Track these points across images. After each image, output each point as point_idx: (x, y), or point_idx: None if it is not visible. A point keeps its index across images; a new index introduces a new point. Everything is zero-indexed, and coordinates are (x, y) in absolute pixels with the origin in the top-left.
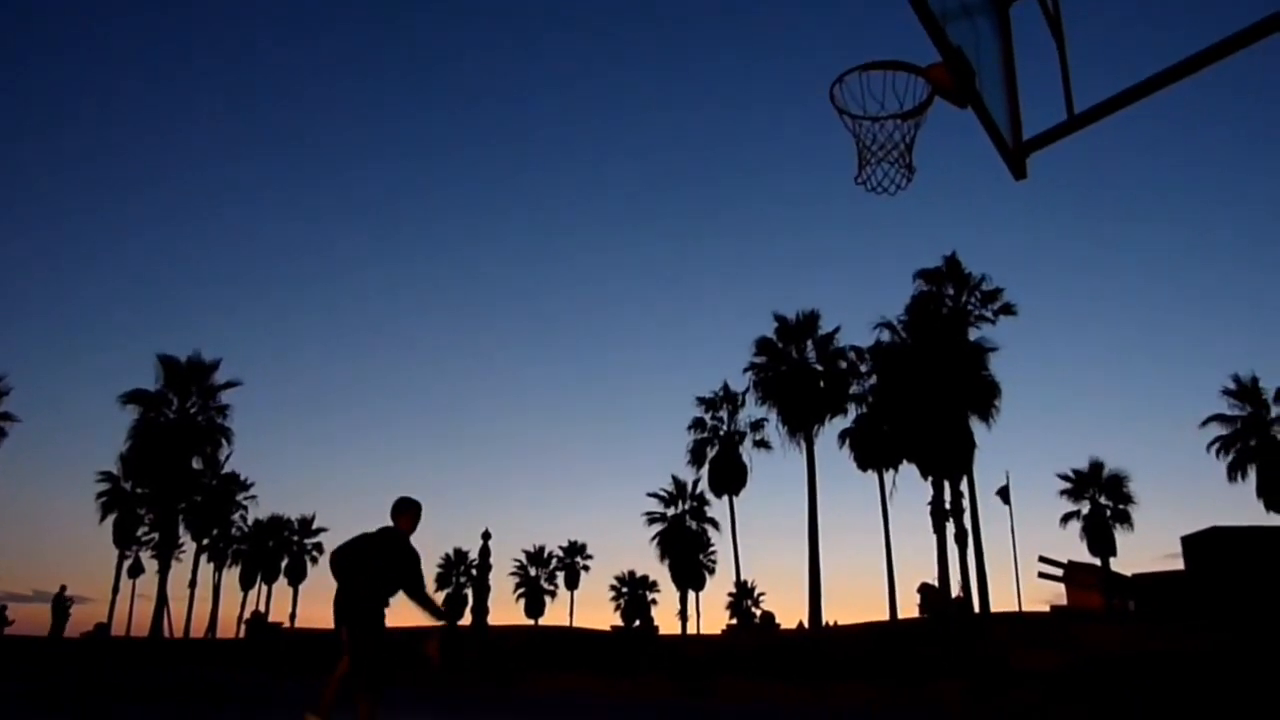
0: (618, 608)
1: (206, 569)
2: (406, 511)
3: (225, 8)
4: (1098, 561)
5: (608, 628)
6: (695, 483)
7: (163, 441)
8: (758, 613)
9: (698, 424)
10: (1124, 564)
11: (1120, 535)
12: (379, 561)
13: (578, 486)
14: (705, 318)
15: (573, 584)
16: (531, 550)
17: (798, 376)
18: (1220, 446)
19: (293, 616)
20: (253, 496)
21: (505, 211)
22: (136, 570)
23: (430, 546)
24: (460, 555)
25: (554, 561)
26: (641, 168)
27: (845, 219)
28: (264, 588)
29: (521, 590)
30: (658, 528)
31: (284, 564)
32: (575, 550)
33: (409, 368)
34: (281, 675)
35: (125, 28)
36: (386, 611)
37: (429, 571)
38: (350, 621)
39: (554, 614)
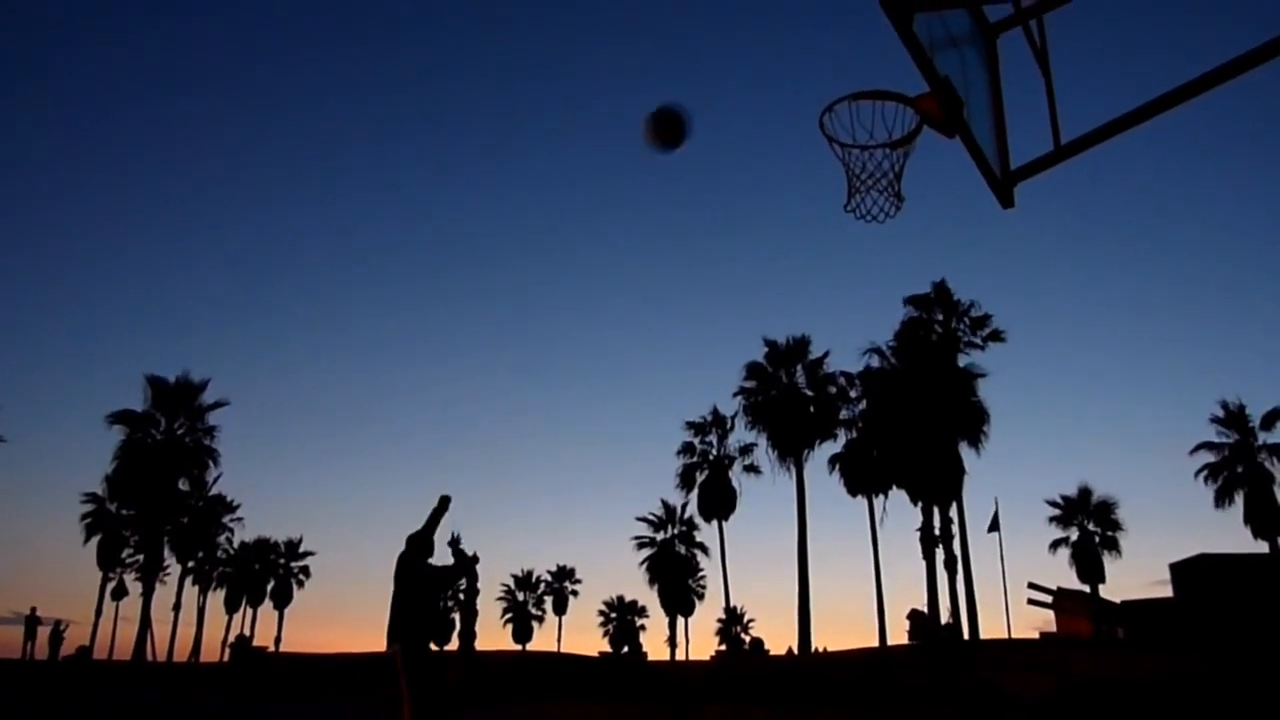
0: (606, 633)
1: (191, 592)
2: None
3: (217, 23)
4: (1086, 588)
5: (596, 653)
6: (684, 507)
7: (149, 462)
8: (747, 639)
9: (687, 448)
10: (1112, 591)
11: (1109, 562)
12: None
13: (566, 510)
14: (695, 342)
15: (561, 609)
16: (519, 574)
17: (787, 401)
18: (1208, 474)
19: (278, 641)
20: (239, 518)
21: (495, 234)
22: (120, 593)
23: None
24: None
25: (542, 586)
26: (631, 192)
27: (835, 245)
28: (249, 611)
29: (509, 615)
30: (647, 552)
31: (270, 587)
32: (564, 574)
33: (397, 391)
34: (266, 700)
35: (115, 41)
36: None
37: None
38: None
39: (542, 639)
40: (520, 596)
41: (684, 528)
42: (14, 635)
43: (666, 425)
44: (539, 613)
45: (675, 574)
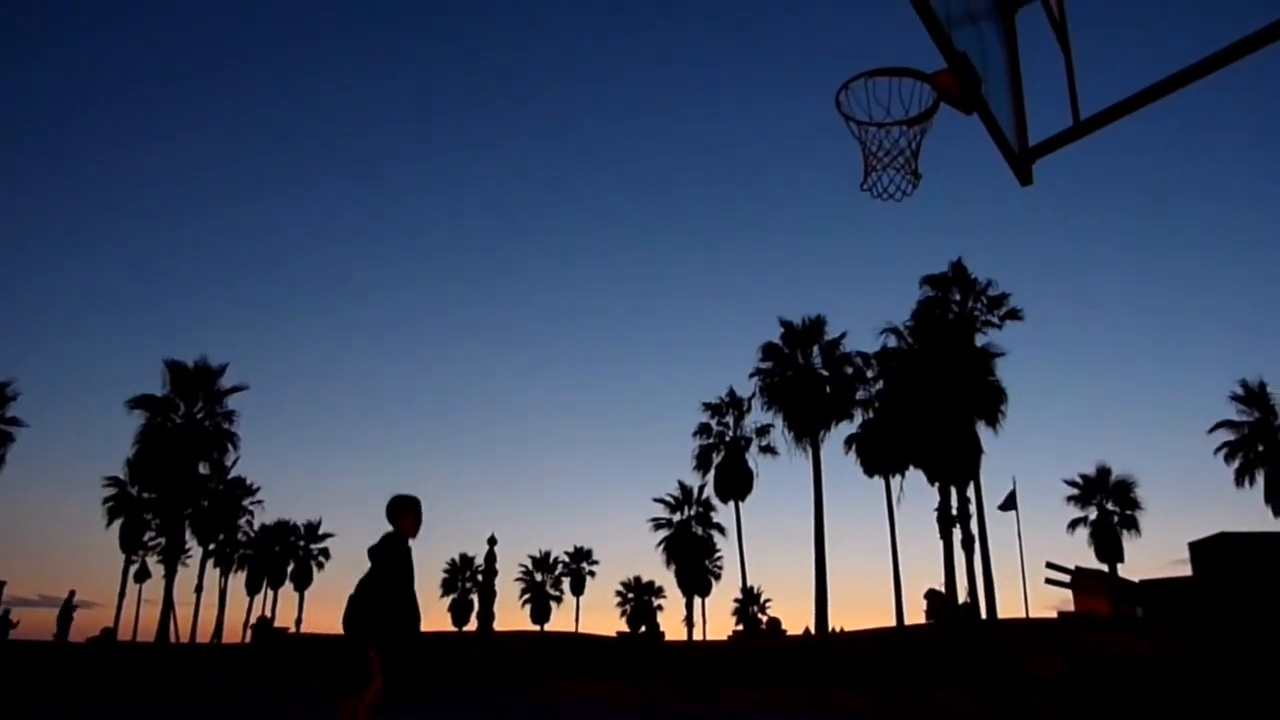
0: (624, 614)
1: (213, 574)
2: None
3: (229, 5)
4: (1105, 568)
5: (613, 634)
6: (701, 488)
7: (169, 446)
8: (764, 619)
9: (704, 429)
10: (1131, 570)
11: (1128, 541)
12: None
13: (584, 492)
14: (711, 323)
15: (578, 590)
16: (537, 555)
17: (804, 382)
18: (1228, 452)
19: (299, 622)
20: (259, 501)
21: (511, 217)
22: (143, 575)
23: (436, 552)
24: (466, 561)
25: (560, 567)
26: (646, 172)
27: (851, 225)
28: (270, 593)
29: (527, 596)
30: (664, 533)
31: (290, 569)
32: (581, 556)
33: (415, 372)
34: (287, 680)
35: (127, 24)
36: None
37: (435, 577)
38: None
39: (560, 620)
40: (538, 577)
41: (701, 509)
42: (38, 616)
43: (683, 407)
44: (557, 593)
45: (692, 555)
